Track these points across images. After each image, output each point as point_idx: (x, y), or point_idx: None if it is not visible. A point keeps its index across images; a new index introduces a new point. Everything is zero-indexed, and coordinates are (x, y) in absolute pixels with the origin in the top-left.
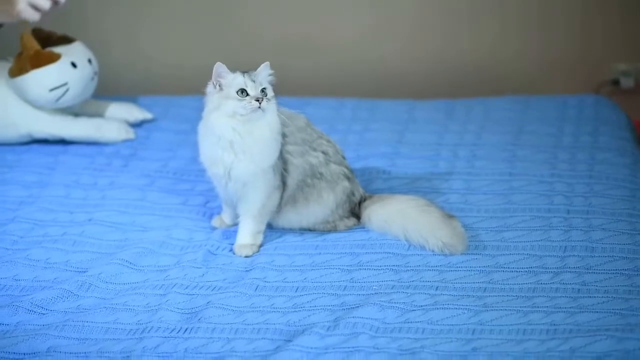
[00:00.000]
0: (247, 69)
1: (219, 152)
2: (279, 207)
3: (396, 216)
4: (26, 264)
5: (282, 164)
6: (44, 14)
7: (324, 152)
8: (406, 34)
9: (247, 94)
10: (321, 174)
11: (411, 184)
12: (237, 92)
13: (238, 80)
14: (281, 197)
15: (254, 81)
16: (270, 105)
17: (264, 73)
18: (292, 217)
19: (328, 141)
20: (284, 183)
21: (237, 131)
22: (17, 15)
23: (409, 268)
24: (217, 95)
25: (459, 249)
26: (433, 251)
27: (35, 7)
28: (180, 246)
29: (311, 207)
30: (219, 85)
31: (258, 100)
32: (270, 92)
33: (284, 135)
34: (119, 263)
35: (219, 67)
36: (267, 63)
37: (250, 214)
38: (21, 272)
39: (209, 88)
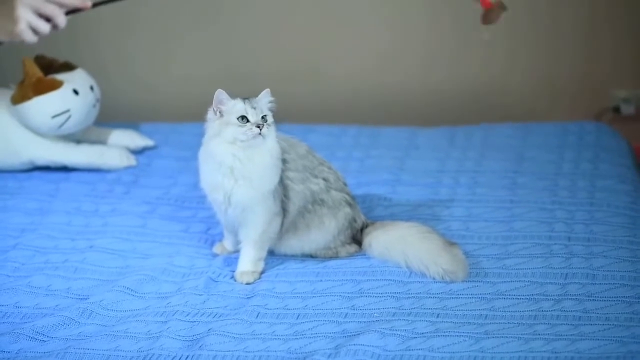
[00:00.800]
0: (247, 96)
1: (219, 178)
2: (280, 234)
3: (397, 243)
4: (28, 291)
5: (283, 190)
6: (42, 37)
7: (325, 179)
8: (408, 61)
9: (248, 121)
10: (322, 200)
11: (412, 211)
12: (237, 119)
13: (239, 106)
14: (282, 224)
15: (254, 108)
16: (270, 131)
17: (264, 100)
18: (294, 244)
19: (329, 168)
20: (284, 209)
21: (238, 157)
22: (16, 35)
23: (410, 295)
24: (218, 122)
25: (460, 276)
26: (434, 278)
27: (35, 30)
28: (181, 273)
29: (312, 234)
30: (220, 112)
31: (259, 127)
32: (270, 119)
33: (284, 162)
34: (120, 290)
35: (220, 94)
36: (268, 90)
37: (251, 240)
38: (22, 299)
39: (210, 114)
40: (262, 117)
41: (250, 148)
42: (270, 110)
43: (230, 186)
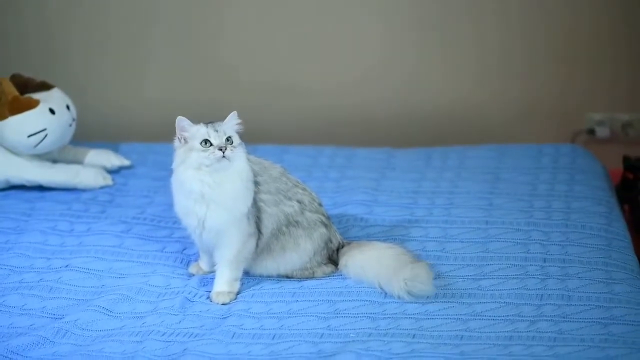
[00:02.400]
0: (215, 120)
1: (191, 205)
2: (255, 255)
3: (372, 263)
4: (2, 311)
5: (256, 212)
6: None
7: (299, 201)
8: (385, 83)
9: (211, 144)
10: (297, 222)
11: (388, 231)
12: (200, 143)
13: (201, 131)
14: (257, 245)
15: (217, 131)
16: (236, 153)
17: (230, 122)
18: (269, 265)
19: (304, 189)
20: (259, 230)
21: (206, 183)
22: None
23: (386, 316)
24: (182, 149)
25: (419, 287)
26: (399, 296)
27: None
28: (157, 293)
29: (288, 255)
30: (184, 139)
31: (222, 150)
32: (236, 140)
33: (257, 184)
34: (95, 310)
35: (181, 121)
36: (235, 113)
37: (226, 261)
38: None
39: (176, 143)
40: (227, 139)
41: (217, 172)
42: (238, 132)
43: (203, 212)
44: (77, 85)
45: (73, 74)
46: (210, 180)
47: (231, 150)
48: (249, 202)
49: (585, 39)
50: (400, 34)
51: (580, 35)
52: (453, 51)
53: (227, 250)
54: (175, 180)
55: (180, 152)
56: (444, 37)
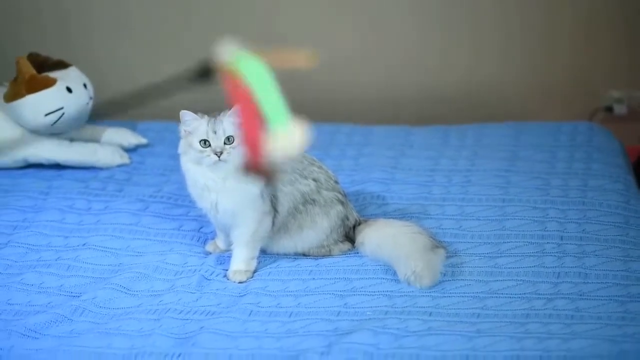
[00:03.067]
0: (218, 113)
1: (199, 192)
2: (272, 234)
3: (388, 241)
4: (20, 289)
5: (272, 190)
6: None
7: (315, 180)
8: (401, 60)
9: (210, 145)
10: (314, 200)
11: (405, 209)
12: (200, 142)
13: (201, 130)
14: (273, 223)
15: (215, 132)
16: (237, 152)
17: (233, 118)
18: (286, 243)
19: (320, 167)
20: (274, 209)
21: (209, 177)
22: None
23: (402, 294)
24: (185, 140)
25: (425, 282)
26: (403, 279)
27: None
28: (174, 271)
29: (305, 233)
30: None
31: (217, 154)
32: (238, 138)
33: None
34: (113, 288)
35: (184, 115)
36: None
37: (243, 241)
38: (15, 296)
39: (181, 131)
40: (228, 138)
41: (218, 170)
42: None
43: (214, 197)
44: (94, 64)
45: (90, 53)
46: (213, 175)
47: (228, 152)
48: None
49: (603, 16)
50: (420, 14)
51: (598, 13)
52: (471, 30)
53: (243, 229)
54: (182, 167)
55: (183, 142)
56: (462, 16)
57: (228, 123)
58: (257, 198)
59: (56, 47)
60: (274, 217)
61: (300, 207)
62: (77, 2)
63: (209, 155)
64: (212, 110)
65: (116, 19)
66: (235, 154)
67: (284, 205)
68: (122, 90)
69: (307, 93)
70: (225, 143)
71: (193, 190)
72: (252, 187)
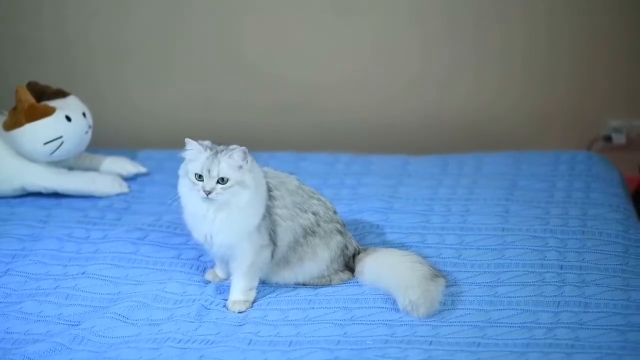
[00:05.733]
0: (223, 145)
1: (192, 220)
2: (272, 266)
3: (387, 270)
4: (19, 317)
5: (271, 225)
6: None
7: (314, 213)
8: (401, 90)
9: (202, 180)
10: (314, 232)
11: (404, 238)
12: (195, 175)
13: (197, 164)
14: (272, 256)
15: (209, 171)
16: (227, 193)
17: (235, 157)
18: (286, 275)
19: (318, 199)
20: (274, 243)
21: (201, 206)
22: None
23: (402, 323)
24: (183, 165)
25: (421, 311)
26: (402, 309)
27: None
28: (173, 300)
29: (306, 265)
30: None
31: (206, 192)
32: (234, 179)
33: (273, 199)
34: (111, 317)
35: (187, 144)
36: (243, 149)
37: (241, 272)
38: (13, 325)
39: (184, 153)
40: (222, 179)
41: (212, 204)
42: (241, 168)
43: (209, 229)
44: (93, 93)
45: (89, 82)
46: (208, 205)
47: (218, 193)
48: (256, 219)
49: (602, 46)
50: (414, 41)
51: (596, 43)
52: (471, 59)
53: (240, 262)
54: (179, 190)
55: (183, 165)
56: (462, 44)
57: (225, 164)
58: (253, 231)
59: (56, 75)
60: (273, 250)
61: (301, 240)
62: (77, 31)
63: (199, 190)
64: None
65: (116, 48)
66: (227, 195)
67: (284, 239)
68: (121, 119)
69: (306, 123)
70: (218, 182)
71: (187, 218)
72: (248, 221)
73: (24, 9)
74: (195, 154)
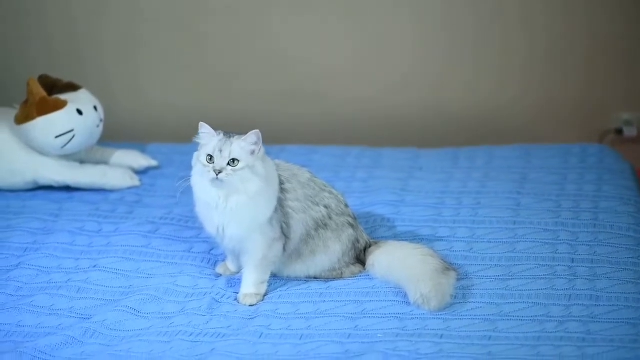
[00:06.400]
0: (235, 132)
1: (206, 212)
2: (284, 259)
3: (398, 264)
4: (30, 311)
5: (283, 218)
6: None
7: (326, 206)
8: (413, 84)
9: (214, 162)
10: (326, 225)
11: (416, 231)
12: (206, 157)
13: (210, 145)
14: (284, 249)
15: (221, 151)
16: (237, 176)
17: (248, 141)
18: (298, 268)
19: (330, 193)
20: (285, 235)
21: (211, 194)
22: None
23: (413, 316)
24: (197, 153)
25: (433, 304)
26: (413, 302)
27: None
28: (185, 293)
29: (318, 258)
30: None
31: (216, 172)
32: (244, 162)
33: (285, 191)
34: (123, 310)
35: (201, 127)
36: (257, 132)
37: (253, 265)
38: (25, 318)
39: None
40: (233, 160)
41: (221, 189)
42: (253, 153)
43: (221, 221)
44: (104, 86)
45: (101, 75)
46: (214, 193)
47: (227, 174)
48: (268, 211)
49: (613, 38)
50: (426, 36)
51: (607, 35)
52: (479, 52)
53: (252, 254)
54: (192, 180)
55: (196, 154)
56: (469, 38)
57: (237, 146)
58: (265, 224)
59: (67, 69)
60: (285, 243)
61: (313, 232)
62: (88, 24)
63: (209, 171)
64: (235, 128)
65: (127, 41)
66: (236, 178)
67: (296, 232)
68: (132, 112)
69: (317, 117)
70: (229, 164)
71: (200, 210)
72: (260, 213)
73: (34, 1)
74: (208, 137)
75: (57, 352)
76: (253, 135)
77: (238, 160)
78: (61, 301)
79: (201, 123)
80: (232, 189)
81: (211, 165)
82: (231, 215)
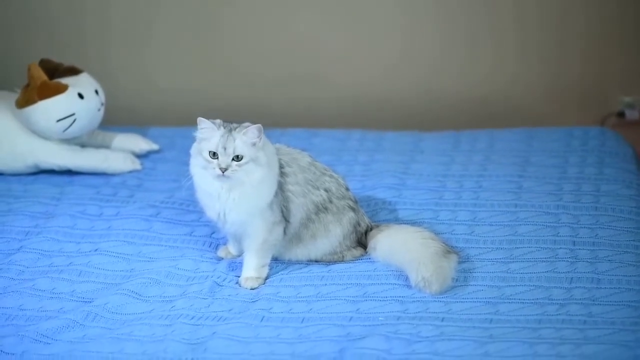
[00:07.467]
0: (235, 123)
1: (207, 199)
2: (285, 243)
3: (399, 247)
4: (32, 294)
5: (284, 201)
6: None
7: (326, 190)
8: (413, 67)
9: (217, 158)
10: (326, 208)
11: (417, 214)
12: (209, 153)
13: (212, 142)
14: (285, 232)
15: (225, 148)
16: (243, 170)
17: (249, 135)
18: (299, 252)
19: (331, 176)
20: (286, 219)
21: (214, 186)
22: None
23: (415, 299)
24: (197, 145)
25: (434, 288)
26: (414, 285)
27: None
28: (186, 277)
29: (318, 242)
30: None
31: (222, 169)
32: (248, 157)
33: (285, 175)
34: (124, 293)
35: (200, 122)
36: (259, 126)
37: (254, 249)
38: (27, 302)
39: (197, 132)
40: (237, 156)
41: (226, 183)
42: (255, 145)
43: (222, 207)
44: (106, 70)
45: (102, 59)
46: (218, 185)
47: (234, 170)
48: (268, 197)
49: (615, 22)
50: (428, 17)
51: (609, 19)
52: (482, 34)
53: (253, 238)
54: (191, 169)
55: (196, 145)
56: (472, 19)
57: (240, 141)
58: (265, 209)
59: (68, 53)
60: (286, 226)
61: (313, 216)
62: (89, 8)
63: (214, 168)
64: (231, 116)
65: (129, 25)
66: (242, 172)
67: (296, 216)
68: (134, 96)
69: (318, 100)
70: (233, 160)
71: (201, 197)
72: (261, 198)
73: None
74: (208, 132)
75: (58, 335)
76: (255, 130)
77: (242, 156)
78: (62, 285)
79: (200, 118)
80: (238, 183)
81: (215, 161)
82: (233, 203)
